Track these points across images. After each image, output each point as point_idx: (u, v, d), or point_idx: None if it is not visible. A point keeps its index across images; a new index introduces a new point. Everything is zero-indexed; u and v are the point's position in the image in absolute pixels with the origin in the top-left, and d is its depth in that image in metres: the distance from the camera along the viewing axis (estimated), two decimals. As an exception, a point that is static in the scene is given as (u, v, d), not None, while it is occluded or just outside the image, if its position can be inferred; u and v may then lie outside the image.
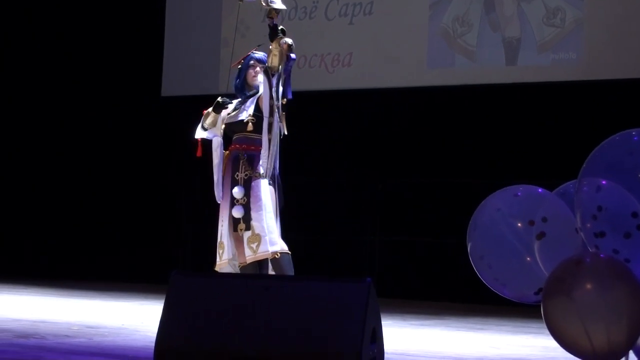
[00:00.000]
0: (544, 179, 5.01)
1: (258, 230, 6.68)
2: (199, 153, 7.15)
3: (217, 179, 6.97)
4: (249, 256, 6.69)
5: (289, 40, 6.59)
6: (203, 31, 12.88)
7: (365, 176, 11.80)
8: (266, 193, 6.76)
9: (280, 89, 6.66)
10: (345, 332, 3.98)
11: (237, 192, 6.73)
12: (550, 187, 4.48)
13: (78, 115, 13.96)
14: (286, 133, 6.74)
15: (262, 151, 6.71)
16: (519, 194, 4.48)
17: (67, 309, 8.81)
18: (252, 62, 7.02)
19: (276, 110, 6.65)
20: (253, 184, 6.74)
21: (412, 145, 11.57)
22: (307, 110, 11.65)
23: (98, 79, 13.82)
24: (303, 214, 10.66)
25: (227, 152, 6.96)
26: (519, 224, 4.39)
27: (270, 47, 6.61)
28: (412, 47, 11.30)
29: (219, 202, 6.99)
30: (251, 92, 6.95)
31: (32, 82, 14.29)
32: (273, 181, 6.81)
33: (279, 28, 6.62)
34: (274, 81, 6.63)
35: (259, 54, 6.99)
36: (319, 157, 11.31)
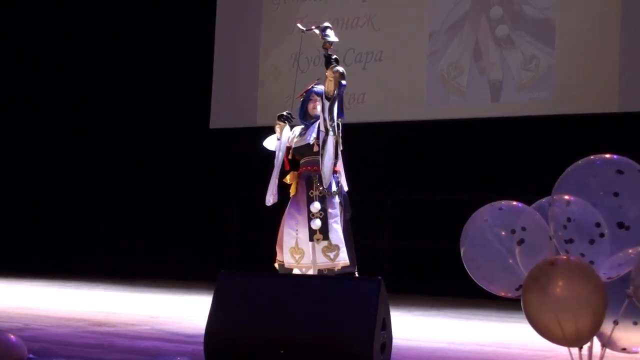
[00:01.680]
0: (523, 195, 4.98)
1: (335, 242, 6.46)
2: (287, 167, 6.83)
3: (272, 186, 6.78)
4: (326, 263, 6.43)
5: (341, 69, 6.43)
6: (244, 73, 12.91)
7: (377, 192, 11.80)
8: (339, 208, 6.64)
9: (335, 110, 6.55)
10: (360, 321, 3.98)
11: (315, 207, 6.51)
12: (528, 202, 4.47)
13: (142, 139, 14.04)
14: (342, 149, 6.55)
15: (321, 165, 6.49)
16: (502, 207, 4.46)
17: (134, 302, 8.82)
18: (312, 95, 6.86)
19: (330, 129, 6.49)
20: (327, 200, 6.53)
21: (416, 168, 11.57)
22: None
23: (157, 111, 13.90)
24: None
25: (298, 172, 6.71)
26: (503, 232, 4.37)
27: (326, 74, 6.45)
28: (414, 88, 11.31)
29: (268, 204, 6.83)
30: (312, 120, 6.75)
31: (93, 115, 14.35)
32: (340, 196, 6.63)
33: (333, 57, 6.45)
34: (328, 103, 6.51)
35: (319, 88, 6.77)
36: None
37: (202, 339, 4.17)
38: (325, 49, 6.53)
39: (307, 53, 12.36)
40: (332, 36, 6.53)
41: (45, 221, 14.57)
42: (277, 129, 6.86)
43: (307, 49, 12.34)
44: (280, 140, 6.85)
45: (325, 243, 6.51)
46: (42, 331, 5.59)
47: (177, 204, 13.58)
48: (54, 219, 14.55)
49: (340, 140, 6.55)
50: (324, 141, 6.47)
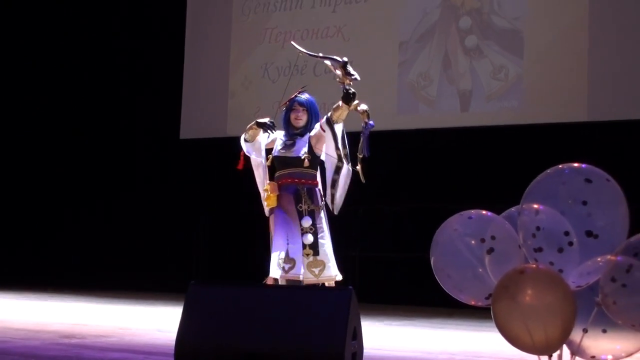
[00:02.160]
0: (492, 204, 5.00)
1: (322, 257, 6.41)
2: (240, 166, 6.80)
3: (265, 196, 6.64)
4: (310, 279, 6.37)
5: (365, 107, 6.39)
6: (214, 83, 12.90)
7: (347, 201, 11.78)
8: (325, 223, 6.58)
9: (361, 144, 6.44)
10: (331, 331, 3.98)
11: (307, 222, 6.41)
12: (497, 211, 4.49)
13: (118, 148, 13.99)
14: (364, 182, 6.49)
15: (327, 189, 6.48)
16: (472, 217, 4.48)
17: (103, 313, 8.77)
18: (295, 105, 6.77)
19: (344, 157, 6.44)
20: (316, 214, 6.48)
21: (386, 177, 11.57)
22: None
23: (127, 121, 13.85)
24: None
25: (280, 182, 6.58)
26: (472, 241, 4.39)
27: (341, 104, 6.33)
28: (385, 98, 11.33)
29: (268, 215, 6.67)
30: (296, 132, 6.64)
31: (68, 122, 14.28)
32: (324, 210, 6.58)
33: (351, 92, 6.36)
34: (336, 131, 6.43)
35: (303, 97, 6.74)
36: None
37: (172, 351, 4.15)
38: (346, 84, 6.38)
39: (277, 63, 12.39)
40: (356, 74, 6.42)
41: (13, 233, 14.47)
42: (251, 132, 6.76)
43: (277, 59, 12.41)
44: (250, 143, 6.77)
45: (311, 259, 6.48)
46: (10, 344, 5.54)
47: (146, 214, 13.52)
48: (21, 231, 14.45)
49: (362, 173, 6.51)
50: (338, 168, 6.45)
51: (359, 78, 6.40)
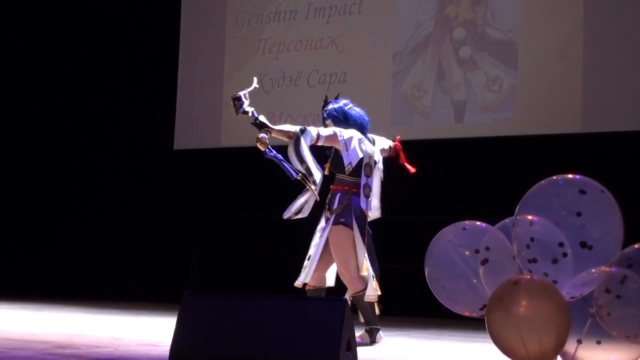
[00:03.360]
0: (487, 215, 5.01)
1: None
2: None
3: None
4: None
5: (260, 135, 6.59)
6: (208, 94, 12.91)
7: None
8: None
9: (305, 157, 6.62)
10: (325, 341, 3.98)
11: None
12: (491, 222, 4.50)
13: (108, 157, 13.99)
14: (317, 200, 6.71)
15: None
16: (466, 227, 4.49)
17: (98, 324, 8.75)
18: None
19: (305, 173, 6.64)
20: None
21: (380, 188, 11.56)
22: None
23: (120, 132, 13.85)
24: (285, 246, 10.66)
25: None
26: (467, 252, 4.40)
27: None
28: (378, 108, 11.33)
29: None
30: None
31: (57, 130, 14.28)
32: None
33: (254, 123, 6.66)
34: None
35: (329, 107, 7.09)
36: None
37: (166, 361, 4.15)
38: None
39: (271, 74, 12.40)
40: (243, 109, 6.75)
41: (7, 243, 14.44)
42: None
43: (272, 70, 12.42)
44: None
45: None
46: (5, 354, 5.53)
47: (141, 225, 13.51)
48: (14, 241, 14.42)
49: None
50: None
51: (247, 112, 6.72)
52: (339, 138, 6.75)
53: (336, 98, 7.27)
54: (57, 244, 14.13)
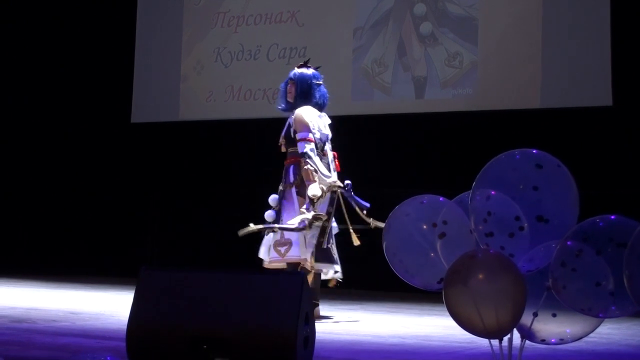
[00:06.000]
0: (445, 189, 5.05)
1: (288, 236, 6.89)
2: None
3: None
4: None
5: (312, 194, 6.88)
6: (166, 67, 12.85)
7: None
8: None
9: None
10: (284, 315, 4.00)
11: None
12: (449, 196, 4.53)
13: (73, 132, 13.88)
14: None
15: None
16: (424, 201, 4.51)
17: (54, 298, 8.73)
18: (288, 80, 7.18)
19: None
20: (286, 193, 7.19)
21: (341, 163, 11.59)
22: (252, 136, 11.67)
23: (77, 105, 13.74)
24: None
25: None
26: (424, 226, 4.42)
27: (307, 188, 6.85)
28: (339, 83, 11.33)
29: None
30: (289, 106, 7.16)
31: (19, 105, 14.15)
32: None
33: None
34: None
35: (294, 72, 7.20)
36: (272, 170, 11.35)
37: (124, 335, 4.15)
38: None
39: (229, 47, 12.36)
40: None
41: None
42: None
43: (230, 44, 12.37)
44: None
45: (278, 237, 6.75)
46: (-41, 329, 5.51)
47: (98, 199, 13.45)
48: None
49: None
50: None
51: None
52: (309, 131, 6.90)
53: (317, 68, 7.33)
54: (13, 218, 14.02)
